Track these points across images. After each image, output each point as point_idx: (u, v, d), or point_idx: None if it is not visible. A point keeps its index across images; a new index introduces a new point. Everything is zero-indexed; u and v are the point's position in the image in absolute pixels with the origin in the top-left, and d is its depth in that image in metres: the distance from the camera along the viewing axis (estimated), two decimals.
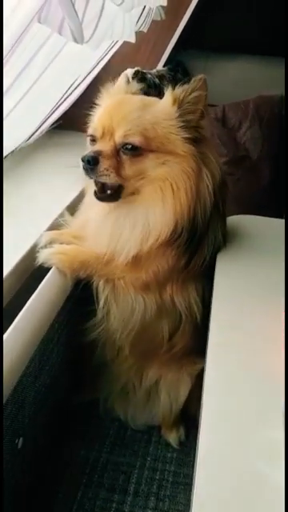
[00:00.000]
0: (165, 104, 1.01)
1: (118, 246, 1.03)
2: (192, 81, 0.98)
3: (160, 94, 1.08)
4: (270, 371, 0.77)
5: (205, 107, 0.99)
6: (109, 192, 1.00)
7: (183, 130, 0.98)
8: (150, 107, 1.01)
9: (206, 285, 1.09)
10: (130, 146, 0.97)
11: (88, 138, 1.06)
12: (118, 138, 0.97)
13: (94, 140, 1.02)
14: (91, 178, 0.99)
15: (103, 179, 0.98)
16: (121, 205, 1.03)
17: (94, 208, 1.09)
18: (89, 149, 1.01)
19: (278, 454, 0.64)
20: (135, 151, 0.97)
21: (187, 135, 0.98)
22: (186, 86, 0.99)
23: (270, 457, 0.64)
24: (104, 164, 0.96)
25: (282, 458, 0.63)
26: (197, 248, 1.05)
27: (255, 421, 0.70)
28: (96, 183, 1.01)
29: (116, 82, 1.14)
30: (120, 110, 1.00)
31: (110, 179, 0.98)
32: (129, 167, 0.98)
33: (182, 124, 0.98)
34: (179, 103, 0.99)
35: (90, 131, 1.04)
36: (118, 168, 0.97)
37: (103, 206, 1.05)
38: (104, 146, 0.98)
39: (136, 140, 0.96)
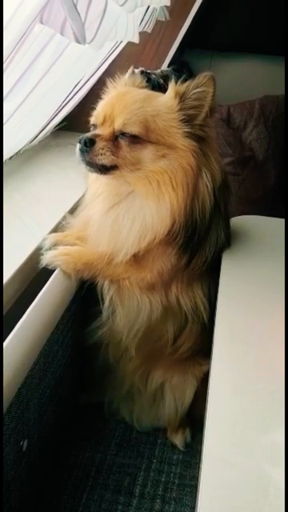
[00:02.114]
0: (167, 97, 1.00)
1: (117, 244, 1.02)
2: (197, 77, 0.97)
3: None
4: (276, 373, 0.77)
5: (211, 105, 0.98)
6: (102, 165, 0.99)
7: (184, 124, 0.98)
8: (152, 100, 1.01)
9: (212, 285, 1.08)
10: (128, 135, 0.97)
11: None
12: (118, 125, 0.98)
13: (95, 128, 1.03)
14: (85, 162, 0.99)
15: (99, 159, 0.97)
16: (121, 202, 1.03)
17: (94, 207, 1.09)
18: None
19: (282, 456, 0.63)
20: (134, 139, 0.97)
21: (188, 130, 0.98)
22: (190, 81, 0.98)
23: (274, 459, 0.64)
24: (100, 144, 0.97)
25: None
26: (197, 248, 1.04)
27: (260, 422, 0.70)
28: (91, 166, 0.99)
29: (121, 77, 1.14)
30: (122, 99, 1.01)
31: (107, 158, 0.97)
32: (126, 151, 0.98)
33: (183, 117, 0.98)
34: (180, 97, 0.98)
35: (92, 120, 1.05)
36: (114, 149, 0.97)
37: (103, 204, 1.05)
38: (103, 131, 0.99)
39: (135, 129, 0.96)
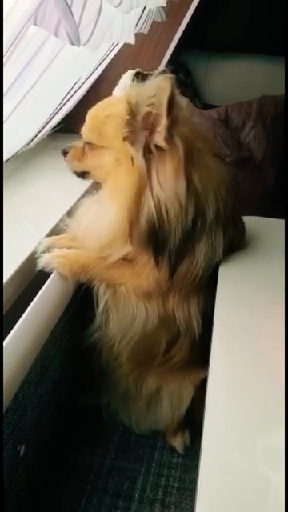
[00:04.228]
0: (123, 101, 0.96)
1: (86, 239, 1.07)
2: (154, 77, 0.92)
3: None
4: (276, 374, 0.76)
5: (168, 113, 0.89)
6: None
7: (144, 131, 0.94)
8: (111, 105, 1.02)
9: (209, 295, 1.04)
10: (87, 142, 1.05)
11: None
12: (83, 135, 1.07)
13: None
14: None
15: (70, 166, 1.12)
16: (98, 201, 1.07)
17: (84, 204, 1.14)
18: None
19: (282, 459, 0.62)
20: (91, 145, 1.05)
21: (127, 134, 0.95)
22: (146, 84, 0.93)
23: (274, 462, 0.63)
24: (70, 154, 1.10)
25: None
26: (177, 259, 1.00)
27: (260, 425, 0.69)
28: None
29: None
30: (93, 109, 1.06)
31: (74, 166, 1.11)
32: (89, 158, 1.07)
33: (137, 123, 0.94)
34: (129, 102, 0.93)
35: None
36: (81, 157, 1.08)
37: (88, 202, 1.12)
38: (79, 142, 1.09)
39: (89, 136, 1.05)
